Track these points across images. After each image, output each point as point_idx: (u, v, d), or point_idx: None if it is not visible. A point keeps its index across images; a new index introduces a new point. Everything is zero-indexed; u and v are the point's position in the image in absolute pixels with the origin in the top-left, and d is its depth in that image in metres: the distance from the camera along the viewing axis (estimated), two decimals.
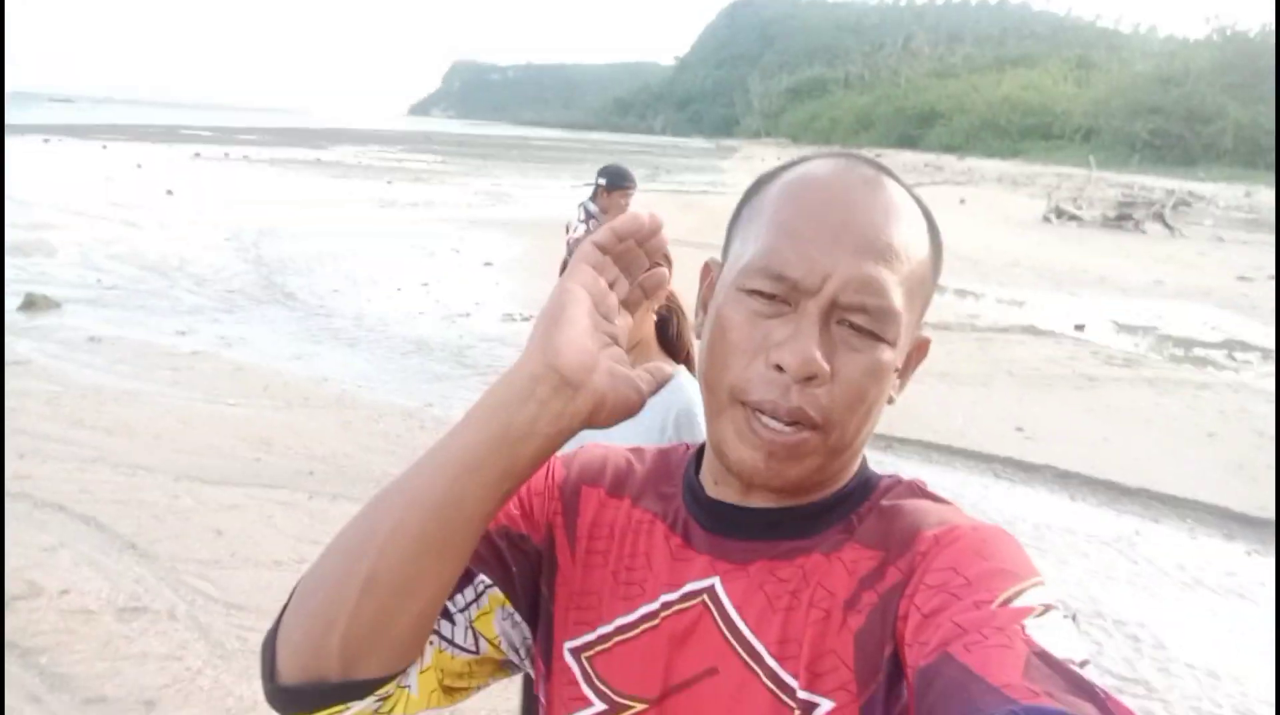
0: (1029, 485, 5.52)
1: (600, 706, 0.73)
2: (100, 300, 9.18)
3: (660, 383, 0.75)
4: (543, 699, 0.80)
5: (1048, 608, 0.58)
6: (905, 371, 0.74)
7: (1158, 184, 33.37)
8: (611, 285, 0.68)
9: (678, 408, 1.79)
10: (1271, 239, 20.17)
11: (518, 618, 0.79)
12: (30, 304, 8.66)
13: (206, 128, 66.94)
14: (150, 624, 3.47)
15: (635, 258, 0.70)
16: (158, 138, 47.89)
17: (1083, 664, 0.54)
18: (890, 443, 5.99)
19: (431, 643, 0.73)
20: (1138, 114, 74.97)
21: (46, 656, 3.24)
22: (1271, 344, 10.08)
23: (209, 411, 5.86)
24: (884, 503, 0.72)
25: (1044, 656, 0.53)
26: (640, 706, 0.72)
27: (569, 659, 0.76)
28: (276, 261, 11.97)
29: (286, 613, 0.68)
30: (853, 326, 0.66)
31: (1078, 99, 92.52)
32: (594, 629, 0.76)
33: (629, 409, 0.67)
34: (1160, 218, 21.61)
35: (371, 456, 5.28)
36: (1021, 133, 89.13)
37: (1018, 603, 0.58)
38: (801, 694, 0.65)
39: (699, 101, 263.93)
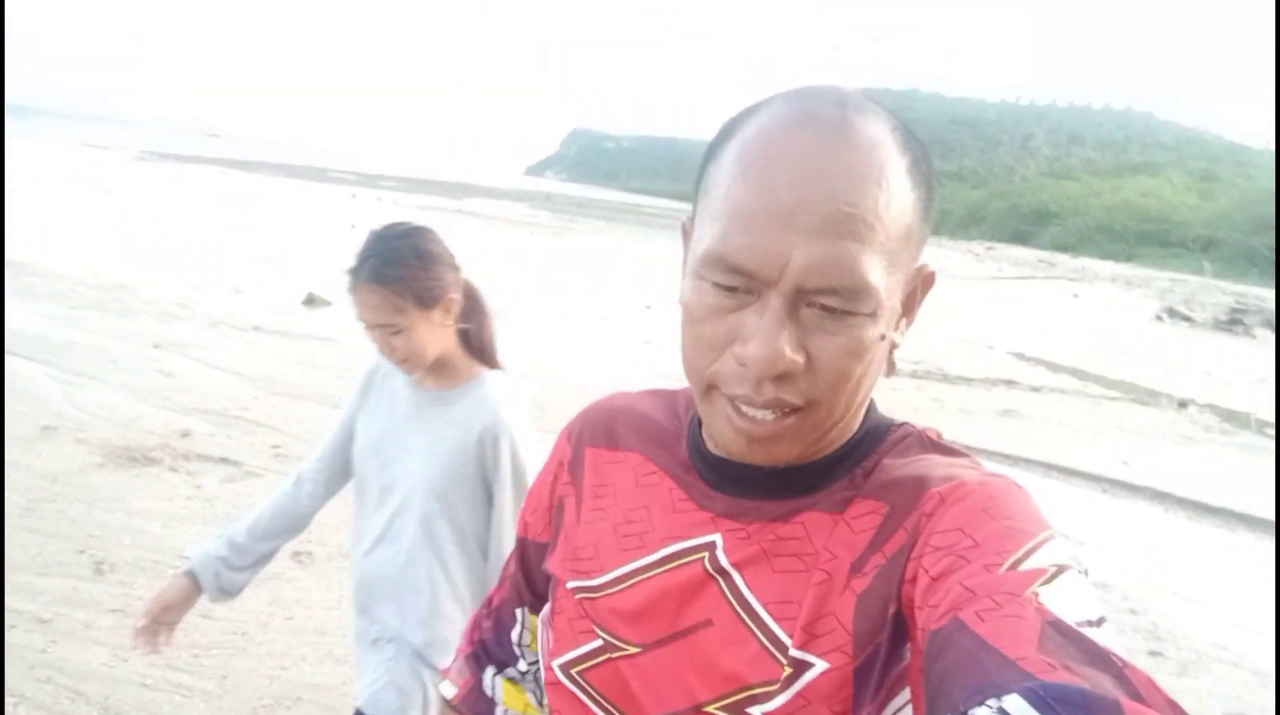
0: (1131, 500, 6.95)
1: (597, 643, 0.77)
2: None
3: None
4: (553, 631, 0.83)
5: (1061, 569, 0.56)
6: (910, 309, 0.71)
7: (1271, 294, 33.65)
8: None
9: (481, 425, 1.70)
10: None
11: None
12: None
13: (348, 172, 72.42)
14: None
15: None
16: (311, 177, 52.43)
17: (1099, 622, 0.53)
18: (1017, 461, 7.49)
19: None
20: (1260, 229, 74.38)
21: None
22: None
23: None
24: (889, 459, 0.71)
25: (1057, 625, 0.52)
26: (632, 650, 0.75)
27: (574, 597, 0.80)
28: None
29: None
30: (824, 308, 0.63)
31: (1199, 210, 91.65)
32: (593, 577, 0.78)
33: None
34: (1271, 324, 22.37)
35: None
36: (1138, 238, 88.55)
37: (1028, 565, 0.56)
38: (794, 652, 0.65)
39: None
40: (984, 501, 0.62)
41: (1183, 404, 11.63)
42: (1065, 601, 0.54)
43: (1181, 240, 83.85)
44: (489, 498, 1.74)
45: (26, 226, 13.80)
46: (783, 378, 0.64)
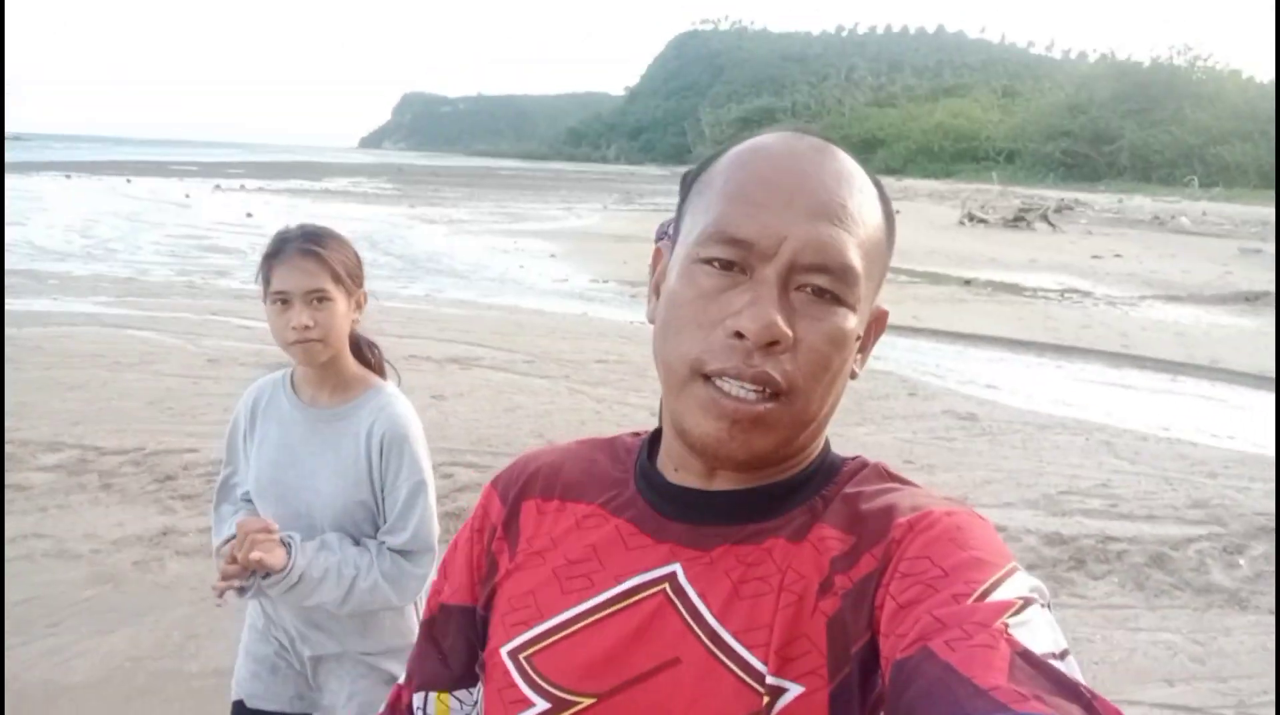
0: (914, 338, 10.53)
1: (543, 705, 0.72)
2: None
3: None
4: (481, 705, 0.80)
5: (1027, 602, 0.58)
6: (866, 345, 0.75)
7: (1053, 194, 39.54)
8: None
9: (381, 430, 1.71)
10: (1127, 232, 26.15)
11: (469, 690, 0.85)
12: None
13: (191, 163, 70.78)
14: None
15: None
16: (157, 173, 51.63)
17: (1063, 655, 0.55)
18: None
19: None
20: (1052, 137, 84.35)
21: None
22: (1092, 287, 15.37)
23: (483, 315, 10.66)
24: (850, 489, 0.72)
25: (1027, 656, 0.53)
26: (586, 702, 0.70)
27: (507, 661, 0.75)
28: (409, 255, 16.74)
29: None
30: (814, 291, 0.66)
31: (1001, 125, 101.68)
32: (531, 627, 0.75)
33: None
34: (1045, 218, 27.37)
35: (571, 341, 10.14)
36: (953, 156, 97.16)
37: (996, 596, 0.58)
38: (770, 679, 0.64)
39: (651, 130, 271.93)
40: (951, 531, 0.64)
41: (967, 282, 15.56)
42: (1033, 633, 0.55)
43: (988, 154, 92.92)
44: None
45: None
46: (772, 351, 0.65)
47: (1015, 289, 15.16)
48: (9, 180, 38.86)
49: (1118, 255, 20.49)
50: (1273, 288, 14.19)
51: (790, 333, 0.65)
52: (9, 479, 4.98)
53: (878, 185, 0.73)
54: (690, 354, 0.67)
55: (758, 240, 0.66)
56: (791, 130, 0.73)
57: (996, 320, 11.72)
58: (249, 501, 1.82)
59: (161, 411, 6.29)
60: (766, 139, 0.72)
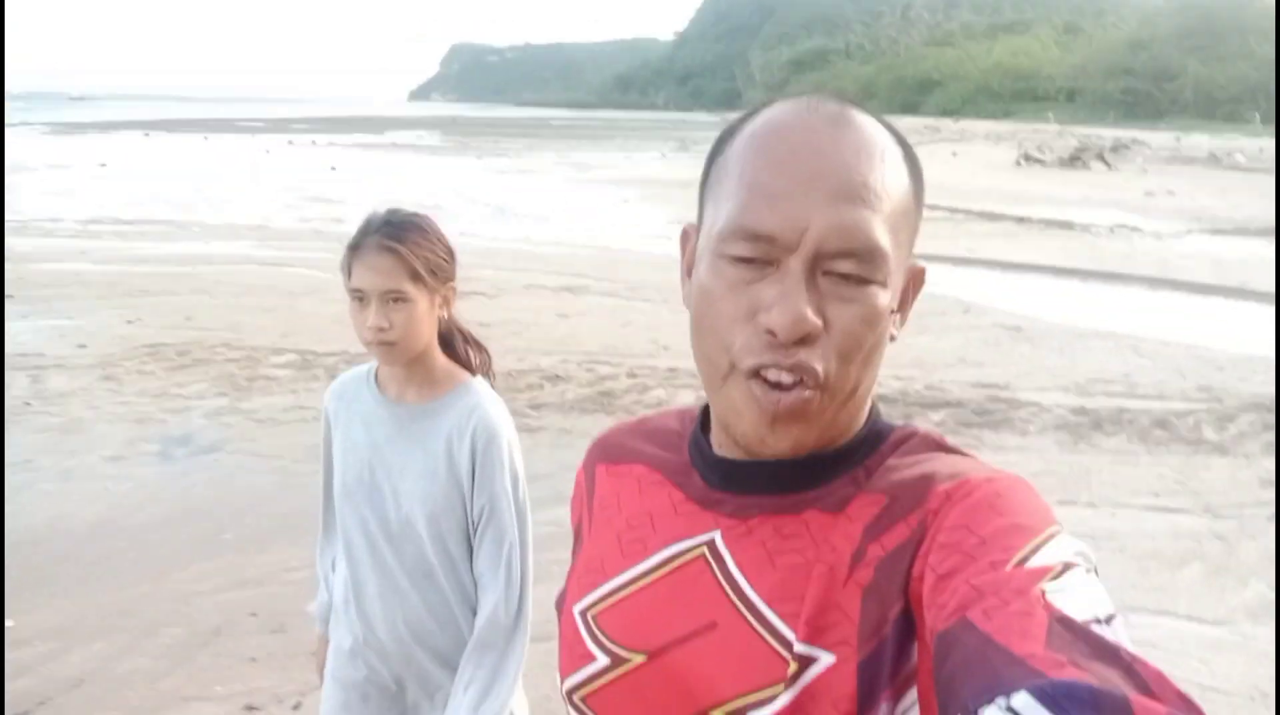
0: (968, 268, 11.61)
1: (604, 660, 0.76)
2: None
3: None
4: (558, 657, 0.84)
5: (1067, 566, 0.57)
6: (904, 305, 0.74)
7: (1111, 133, 39.50)
8: None
9: (473, 427, 1.65)
10: (1182, 170, 26.54)
11: None
12: None
13: (256, 119, 72.93)
14: None
15: None
16: (228, 129, 53.57)
17: (1108, 619, 0.54)
18: None
19: None
20: (1113, 75, 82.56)
21: None
22: (1141, 223, 16.18)
23: (578, 252, 12.01)
24: (894, 459, 0.72)
25: (1065, 621, 0.53)
26: (639, 659, 0.74)
27: (577, 618, 0.80)
28: (494, 203, 18.14)
29: None
30: (841, 275, 0.66)
31: (1061, 64, 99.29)
32: (597, 587, 0.80)
33: None
34: (1101, 157, 27.79)
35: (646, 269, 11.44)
36: (1012, 95, 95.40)
37: (1034, 562, 0.57)
38: (799, 647, 0.65)
39: (700, 76, 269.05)
40: (989, 498, 0.64)
41: (1020, 219, 16.46)
42: (1073, 598, 0.54)
43: (1048, 93, 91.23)
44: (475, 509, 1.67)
45: (128, 197, 17.13)
46: (805, 342, 0.65)
47: (1066, 225, 16.04)
48: (95, 137, 41.18)
49: (1170, 193, 21.09)
50: None
51: (820, 322, 0.65)
52: (258, 370, 6.49)
53: (901, 144, 0.72)
54: (727, 352, 0.68)
55: (780, 233, 0.66)
56: (807, 100, 0.71)
57: (1045, 252, 12.74)
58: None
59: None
60: (781, 114, 0.71)
